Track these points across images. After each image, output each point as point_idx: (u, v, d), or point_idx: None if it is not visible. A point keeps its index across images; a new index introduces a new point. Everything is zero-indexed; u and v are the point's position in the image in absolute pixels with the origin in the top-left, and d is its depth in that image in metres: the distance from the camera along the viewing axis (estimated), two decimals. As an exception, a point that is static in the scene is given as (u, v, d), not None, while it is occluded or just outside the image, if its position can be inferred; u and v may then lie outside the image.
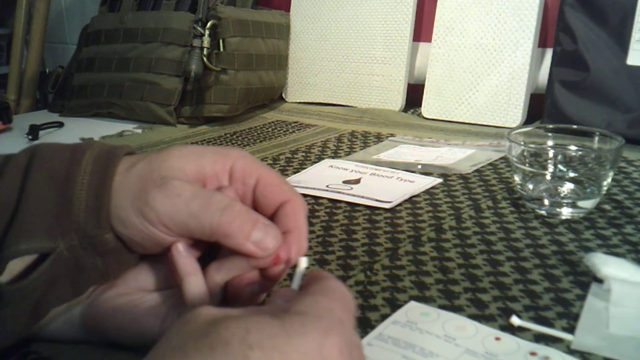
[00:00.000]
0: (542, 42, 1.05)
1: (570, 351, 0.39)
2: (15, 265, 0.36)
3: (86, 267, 0.37)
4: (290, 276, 0.48)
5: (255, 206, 0.39)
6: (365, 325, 0.42)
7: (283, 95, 1.27)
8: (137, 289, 0.40)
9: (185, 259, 0.37)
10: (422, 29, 1.16)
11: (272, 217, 0.39)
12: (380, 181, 0.73)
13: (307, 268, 0.36)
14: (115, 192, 0.37)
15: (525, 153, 0.61)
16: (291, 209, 0.39)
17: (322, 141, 0.94)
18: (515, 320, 0.42)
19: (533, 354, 0.38)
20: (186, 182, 0.37)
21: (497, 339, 0.40)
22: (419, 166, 0.77)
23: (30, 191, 0.36)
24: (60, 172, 0.37)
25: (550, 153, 0.63)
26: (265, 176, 0.39)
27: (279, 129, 1.05)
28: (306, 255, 0.38)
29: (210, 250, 0.39)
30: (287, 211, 0.39)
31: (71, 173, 0.37)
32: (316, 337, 0.27)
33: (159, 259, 0.40)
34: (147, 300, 0.39)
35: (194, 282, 0.37)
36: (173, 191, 0.36)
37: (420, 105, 1.11)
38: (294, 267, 0.37)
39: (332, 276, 0.33)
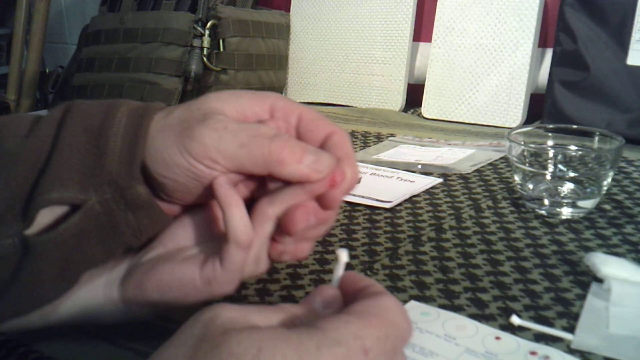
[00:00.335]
0: (542, 42, 1.05)
1: (571, 351, 0.39)
2: (44, 218, 0.35)
3: (118, 223, 0.36)
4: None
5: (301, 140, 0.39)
6: (365, 325, 0.42)
7: (283, 95, 1.27)
8: (176, 249, 0.39)
9: (226, 190, 0.36)
10: (422, 29, 1.16)
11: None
12: (380, 181, 0.73)
13: (347, 263, 0.33)
14: (154, 136, 0.36)
15: (525, 153, 0.61)
16: (338, 139, 0.38)
17: (322, 141, 0.94)
18: (515, 319, 0.42)
19: (533, 353, 0.38)
20: (230, 117, 0.36)
21: (497, 338, 0.39)
22: (419, 166, 0.77)
23: (64, 142, 0.36)
24: (95, 123, 0.36)
25: (550, 153, 0.63)
26: (306, 112, 0.39)
27: (279, 129, 1.05)
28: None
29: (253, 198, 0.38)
30: (335, 141, 0.38)
31: (106, 124, 0.36)
32: None
33: (195, 218, 0.39)
34: (186, 252, 0.38)
35: (237, 213, 0.35)
36: (219, 124, 0.35)
37: (420, 105, 1.11)
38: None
39: (389, 295, 0.30)
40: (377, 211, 0.64)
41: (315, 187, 0.36)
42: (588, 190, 0.60)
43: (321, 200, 0.37)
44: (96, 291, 0.38)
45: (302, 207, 0.36)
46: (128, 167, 0.35)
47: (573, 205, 0.60)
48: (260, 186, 0.38)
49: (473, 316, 0.43)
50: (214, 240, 0.39)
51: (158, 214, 0.37)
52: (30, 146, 0.36)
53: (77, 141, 0.36)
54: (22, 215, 0.35)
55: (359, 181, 0.37)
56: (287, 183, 0.36)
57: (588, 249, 0.53)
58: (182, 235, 0.39)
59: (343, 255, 0.33)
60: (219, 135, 0.35)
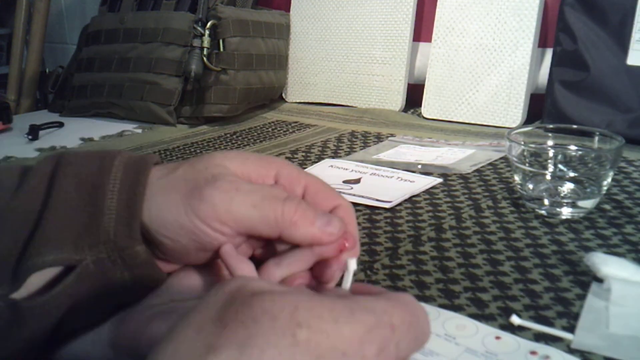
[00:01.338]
0: (542, 42, 1.05)
1: (571, 350, 0.39)
2: (34, 280, 0.33)
3: (113, 283, 0.35)
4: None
5: None
6: (365, 325, 0.42)
7: (283, 95, 1.27)
8: (170, 300, 0.37)
9: (236, 258, 0.35)
10: (422, 29, 1.16)
11: None
12: (380, 181, 0.73)
13: (355, 272, 0.33)
14: (155, 195, 0.35)
15: (525, 153, 0.61)
16: (344, 213, 0.38)
17: (322, 141, 0.94)
18: (515, 319, 0.42)
19: (533, 353, 0.38)
20: (240, 178, 0.36)
21: (498, 338, 0.40)
22: (419, 166, 0.77)
23: (57, 199, 0.34)
24: (89, 179, 0.35)
25: (550, 153, 0.63)
26: (312, 183, 0.39)
27: (279, 129, 1.05)
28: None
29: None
30: (340, 215, 0.38)
31: (101, 181, 0.35)
32: (359, 330, 0.25)
33: (189, 272, 0.38)
34: (184, 308, 0.37)
35: None
36: (231, 185, 0.35)
37: (420, 105, 1.11)
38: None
39: (412, 296, 0.30)
40: (377, 211, 0.64)
41: (325, 250, 0.36)
42: (588, 190, 0.60)
43: (321, 273, 0.37)
44: (84, 335, 0.37)
45: (300, 278, 0.36)
46: (127, 227, 0.34)
47: (573, 205, 0.60)
48: (262, 244, 0.38)
49: (473, 316, 0.43)
50: None
51: (156, 273, 0.36)
52: (19, 204, 0.34)
53: (70, 198, 0.34)
54: (10, 277, 0.33)
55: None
56: (294, 246, 0.36)
57: (588, 249, 0.53)
58: (177, 289, 0.38)
59: (352, 263, 0.32)
60: (230, 196, 0.34)
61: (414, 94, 1.13)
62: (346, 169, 0.77)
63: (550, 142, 0.66)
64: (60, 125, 1.11)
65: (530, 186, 0.62)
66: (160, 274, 0.37)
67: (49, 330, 0.34)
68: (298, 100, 1.25)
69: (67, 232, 0.33)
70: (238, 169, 0.37)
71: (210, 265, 0.39)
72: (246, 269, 0.35)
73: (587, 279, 0.48)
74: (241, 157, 0.38)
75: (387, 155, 0.85)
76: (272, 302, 0.25)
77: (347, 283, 0.32)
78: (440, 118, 1.08)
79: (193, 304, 0.26)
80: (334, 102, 1.21)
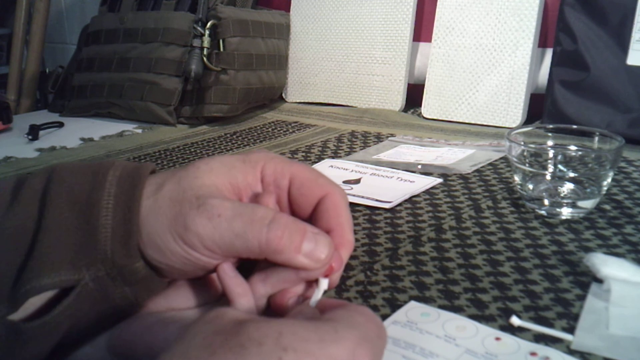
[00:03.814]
0: (542, 42, 1.05)
1: (570, 351, 0.39)
2: (33, 301, 0.33)
3: (114, 298, 0.34)
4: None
5: (293, 206, 0.38)
6: (365, 326, 0.42)
7: (283, 95, 1.27)
8: (168, 308, 0.37)
9: (234, 279, 0.34)
10: (422, 29, 1.16)
11: (313, 213, 0.38)
12: (381, 181, 0.73)
13: (326, 290, 0.34)
14: (146, 218, 0.34)
15: (525, 153, 0.61)
16: (331, 202, 0.37)
17: (322, 141, 0.94)
18: (515, 320, 0.42)
19: (533, 354, 0.38)
20: (224, 199, 0.34)
21: (497, 339, 0.40)
22: (419, 166, 0.77)
23: (50, 218, 0.33)
24: (82, 196, 0.34)
25: (550, 153, 0.63)
26: (298, 174, 0.38)
27: (279, 129, 1.05)
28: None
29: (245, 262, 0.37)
30: (328, 206, 0.37)
31: (94, 198, 0.34)
32: (349, 345, 0.27)
33: (190, 282, 0.38)
34: (181, 318, 0.36)
35: (245, 303, 0.34)
36: (213, 212, 0.33)
37: (420, 105, 1.11)
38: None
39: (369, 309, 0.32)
40: (377, 211, 0.64)
41: (310, 275, 0.35)
42: (588, 190, 0.60)
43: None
44: (82, 347, 0.37)
45: (290, 292, 0.36)
46: (124, 245, 0.33)
47: (573, 205, 0.60)
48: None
49: (473, 317, 0.43)
50: (206, 304, 0.38)
51: (157, 285, 0.36)
52: (11, 224, 0.33)
53: (64, 217, 0.33)
54: (6, 299, 0.32)
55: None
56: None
57: (588, 249, 0.53)
58: (174, 296, 0.38)
59: (324, 283, 0.35)
60: (213, 225, 0.33)
61: (414, 94, 1.13)
62: (346, 169, 0.77)
63: (550, 142, 0.66)
64: (60, 125, 1.11)
65: (530, 186, 0.62)
66: (161, 284, 0.36)
67: (51, 348, 0.33)
68: (298, 100, 1.25)
69: (63, 253, 0.32)
70: (227, 182, 0.36)
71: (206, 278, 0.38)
72: (242, 290, 0.34)
73: (587, 279, 0.48)
74: (226, 166, 0.36)
75: (387, 155, 0.85)
76: (256, 329, 0.26)
77: (314, 300, 0.34)
78: (440, 118, 1.08)
79: (191, 321, 0.27)
80: (334, 102, 1.21)
